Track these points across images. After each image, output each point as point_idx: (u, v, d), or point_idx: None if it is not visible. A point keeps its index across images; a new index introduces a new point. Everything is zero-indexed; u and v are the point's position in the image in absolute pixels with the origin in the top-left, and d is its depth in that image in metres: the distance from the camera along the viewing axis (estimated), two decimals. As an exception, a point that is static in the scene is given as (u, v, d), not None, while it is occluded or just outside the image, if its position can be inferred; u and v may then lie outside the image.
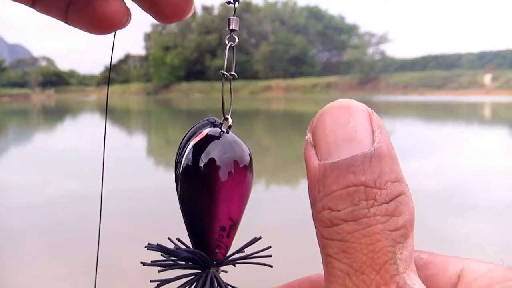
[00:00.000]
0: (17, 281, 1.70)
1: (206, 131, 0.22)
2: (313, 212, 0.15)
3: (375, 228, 0.13)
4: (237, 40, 0.22)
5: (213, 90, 37.22)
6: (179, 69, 39.44)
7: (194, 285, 0.20)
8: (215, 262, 0.21)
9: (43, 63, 47.40)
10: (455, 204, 2.75)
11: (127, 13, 0.18)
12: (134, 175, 3.79)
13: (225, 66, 0.22)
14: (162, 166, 4.57)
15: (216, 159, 0.21)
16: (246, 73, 35.28)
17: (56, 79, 43.57)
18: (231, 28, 0.22)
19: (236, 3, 0.21)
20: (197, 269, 0.21)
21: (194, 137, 0.22)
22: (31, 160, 4.86)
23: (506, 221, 2.39)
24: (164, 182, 3.54)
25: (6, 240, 2.14)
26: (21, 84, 39.73)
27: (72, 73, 46.88)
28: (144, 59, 43.62)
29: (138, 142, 6.92)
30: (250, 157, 0.22)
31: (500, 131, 7.67)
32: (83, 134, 7.92)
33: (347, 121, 0.15)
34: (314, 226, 0.15)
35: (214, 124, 0.23)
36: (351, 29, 37.83)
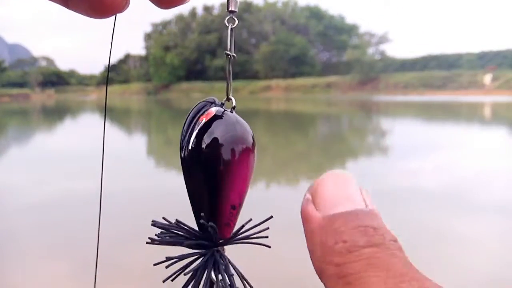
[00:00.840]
0: (17, 280, 1.69)
1: (212, 110, 0.22)
2: (319, 254, 0.15)
3: (394, 251, 0.15)
4: (236, 21, 0.22)
5: (213, 90, 37.15)
6: (179, 69, 39.42)
7: (199, 261, 0.21)
8: (221, 241, 0.21)
9: (43, 63, 47.38)
10: (455, 203, 2.75)
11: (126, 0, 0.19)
12: (134, 175, 3.79)
13: (228, 46, 0.22)
14: (162, 166, 4.57)
15: (221, 139, 0.21)
16: (246, 73, 35.25)
17: (56, 79, 43.55)
18: (230, 9, 0.22)
19: None
20: (204, 247, 0.21)
21: (200, 117, 0.21)
22: (31, 160, 4.86)
23: (506, 221, 2.39)
24: (164, 182, 3.54)
25: (6, 240, 2.14)
26: (21, 84, 39.72)
27: (72, 73, 46.87)
28: (144, 59, 43.60)
29: (138, 142, 6.92)
30: (253, 138, 0.22)
31: (500, 131, 7.67)
32: (83, 134, 7.92)
33: (346, 186, 0.18)
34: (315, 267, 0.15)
35: (216, 104, 0.22)
36: (351, 29, 37.80)
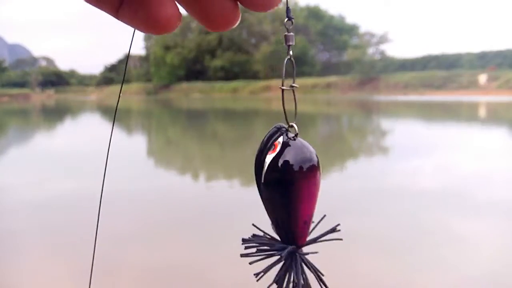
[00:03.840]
0: (17, 280, 1.69)
1: (279, 140, 0.26)
2: None
3: None
4: (291, 53, 0.26)
5: (213, 90, 37.18)
6: (179, 69, 39.43)
7: (283, 264, 0.25)
8: (299, 246, 0.25)
9: (43, 63, 47.41)
10: (455, 204, 2.75)
11: (180, 18, 0.19)
12: (134, 176, 3.79)
13: (282, 79, 0.26)
14: (163, 166, 4.57)
15: (293, 164, 0.24)
16: (246, 73, 35.26)
17: (56, 79, 43.58)
18: (288, 44, 0.26)
19: (292, 19, 0.25)
20: (285, 255, 0.25)
21: (273, 143, 0.26)
22: (31, 160, 4.86)
23: (506, 221, 2.39)
24: (164, 183, 3.54)
25: (6, 240, 2.14)
26: (21, 84, 39.72)
27: (72, 73, 46.89)
28: (144, 59, 43.63)
29: (138, 142, 6.92)
30: (317, 157, 0.26)
31: (500, 131, 7.66)
32: (83, 134, 7.92)
33: None
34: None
35: (281, 131, 0.27)
36: (352, 29, 37.83)
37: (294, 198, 0.24)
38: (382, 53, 35.52)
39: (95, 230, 0.23)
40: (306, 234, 0.26)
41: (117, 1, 0.19)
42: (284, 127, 0.27)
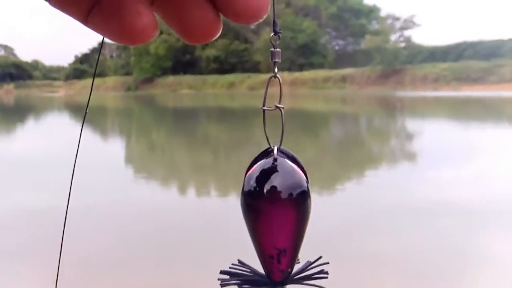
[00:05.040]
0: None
1: (260, 162, 0.29)
2: None
3: None
4: (276, 70, 0.28)
5: (206, 85, 37.34)
6: (164, 59, 39.65)
7: None
8: (275, 282, 0.28)
9: (0, 52, 47.62)
10: (496, 221, 2.74)
11: (156, 27, 0.20)
12: (109, 188, 3.79)
13: (264, 99, 0.29)
14: (144, 177, 4.57)
15: (256, 188, 0.27)
16: (244, 64, 35.45)
17: (16, 72, 43.76)
18: (274, 61, 0.28)
19: (279, 34, 0.27)
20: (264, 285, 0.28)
21: (260, 163, 0.29)
22: (-14, 169, 4.86)
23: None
24: (145, 197, 3.54)
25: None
26: (-26, 78, 39.91)
27: (35, 65, 47.12)
28: (122, 47, 43.90)
29: (114, 147, 6.93)
30: (307, 183, 0.29)
31: (551, 134, 7.66)
32: (49, 138, 7.93)
33: None
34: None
35: (266, 153, 0.29)
36: (371, 12, 38.04)
37: (256, 227, 0.27)
38: (407, 40, 35.73)
39: (59, 254, 0.23)
40: (277, 270, 0.28)
41: (86, 6, 0.20)
42: (272, 149, 0.29)
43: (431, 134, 7.78)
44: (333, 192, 3.66)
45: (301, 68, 35.18)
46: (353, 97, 23.86)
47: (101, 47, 0.27)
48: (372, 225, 2.70)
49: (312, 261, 0.30)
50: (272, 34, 0.28)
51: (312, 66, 35.22)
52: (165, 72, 39.72)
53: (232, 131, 8.90)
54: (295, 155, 0.31)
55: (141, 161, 5.63)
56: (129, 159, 5.87)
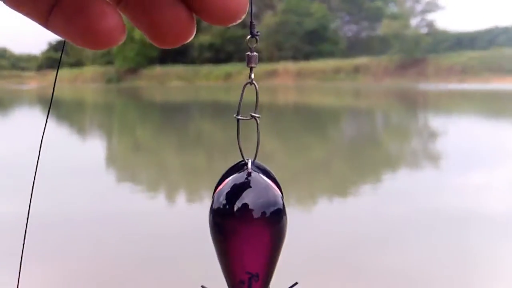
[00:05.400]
0: None
1: (230, 177, 0.30)
2: None
3: None
4: (253, 76, 0.30)
5: (198, 77, 37.37)
6: (151, 47, 39.66)
7: None
8: None
9: (-36, 39, 47.78)
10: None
11: (124, 30, 0.21)
12: (87, 196, 3.79)
13: (239, 107, 0.29)
14: (127, 182, 4.58)
15: (228, 207, 0.28)
16: (242, 53, 35.34)
17: (-19, 61, 43.88)
18: (251, 66, 0.30)
19: (257, 37, 0.28)
20: None
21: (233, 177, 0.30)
22: None
23: None
24: (129, 206, 3.54)
25: None
26: None
27: (3, 53, 47.16)
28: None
29: (93, 148, 6.93)
30: (276, 203, 0.29)
31: None
32: (17, 136, 7.94)
33: None
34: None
35: (238, 168, 0.30)
36: (388, -7, 38.05)
37: (226, 249, 0.28)
38: (430, 25, 35.74)
39: (18, 269, 0.24)
40: None
41: (45, 6, 0.20)
42: (245, 163, 0.30)
43: (458, 133, 7.78)
44: (344, 199, 3.66)
45: (308, 57, 35.20)
46: (367, 90, 23.88)
47: (63, 51, 0.28)
48: (390, 238, 2.70)
49: None
50: (248, 36, 0.29)
51: (320, 54, 35.24)
52: (151, 61, 39.76)
53: (228, 129, 8.89)
54: (269, 168, 0.31)
55: (125, 164, 5.64)
56: (110, 162, 5.87)
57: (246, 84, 0.30)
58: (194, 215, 3.29)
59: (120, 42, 0.21)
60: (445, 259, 2.40)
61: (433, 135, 7.82)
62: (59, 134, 8.23)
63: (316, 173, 4.82)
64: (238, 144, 0.30)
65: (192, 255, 2.43)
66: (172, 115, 12.50)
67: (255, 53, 0.29)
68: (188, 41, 0.23)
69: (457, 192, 3.78)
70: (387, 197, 3.70)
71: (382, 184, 4.23)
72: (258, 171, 0.30)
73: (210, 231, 0.29)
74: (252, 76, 0.30)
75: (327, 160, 5.62)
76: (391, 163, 5.37)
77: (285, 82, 34.04)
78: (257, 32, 0.29)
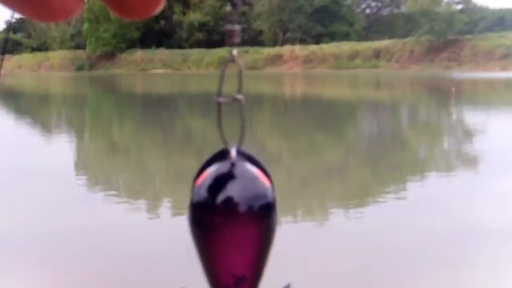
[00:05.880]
0: None
1: (211, 167, 0.30)
2: None
3: None
4: (235, 52, 0.30)
5: (187, 63, 37.39)
6: (130, 27, 39.72)
7: None
8: None
9: None
10: None
11: (80, 2, 0.21)
12: (52, 205, 3.79)
13: (219, 89, 0.30)
14: (101, 190, 4.57)
15: (213, 202, 0.28)
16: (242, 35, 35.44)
17: None
18: (233, 41, 0.30)
19: (238, 7, 0.29)
20: None
21: (215, 167, 0.31)
22: None
23: None
24: (102, 219, 3.53)
25: None
26: None
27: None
28: (72, 11, 44.00)
29: (60, 149, 6.93)
30: (265, 196, 0.30)
31: None
32: (-29, 136, 7.93)
33: None
34: None
35: (220, 156, 0.31)
36: (415, -38, 38.12)
37: (208, 249, 0.29)
38: (466, 1, 35.75)
39: None
40: None
41: None
42: (228, 151, 0.31)
43: (498, 131, 7.77)
44: (364, 210, 3.66)
45: (318, 39, 35.18)
46: (390, 79, 23.86)
47: (10, 26, 0.28)
48: (418, 255, 2.69)
49: None
50: (228, 6, 0.29)
51: (333, 37, 35.22)
52: (131, 44, 39.73)
53: (223, 126, 8.82)
54: (256, 157, 0.31)
55: (98, 168, 5.63)
56: (80, 166, 5.86)
57: (227, 63, 0.30)
58: (180, 230, 3.29)
59: (77, 13, 0.22)
60: (484, 277, 2.39)
61: (468, 133, 7.81)
62: (18, 132, 8.22)
63: (330, 179, 4.82)
64: (220, 129, 0.31)
65: (177, 272, 2.42)
66: (155, 109, 12.50)
67: (237, 27, 0.30)
68: (158, 11, 0.23)
69: (498, 202, 3.78)
70: (414, 208, 3.70)
71: (408, 192, 4.22)
72: (244, 160, 0.31)
73: (190, 228, 0.29)
74: (235, 52, 0.30)
75: (342, 164, 5.62)
76: (419, 167, 5.37)
77: (291, 69, 34.04)
78: (238, 1, 0.29)
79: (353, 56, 33.75)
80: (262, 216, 0.29)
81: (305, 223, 3.36)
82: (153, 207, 3.93)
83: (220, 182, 0.29)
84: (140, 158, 6.17)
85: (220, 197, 0.28)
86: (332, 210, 3.73)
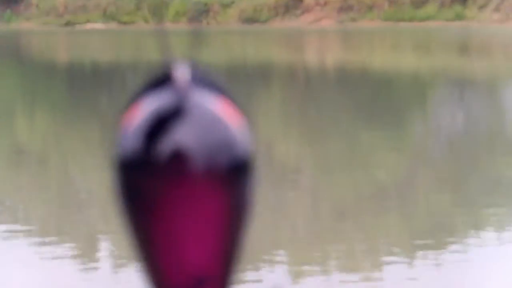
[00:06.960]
0: None
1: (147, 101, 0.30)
2: None
3: None
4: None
5: (142, 11, 37.57)
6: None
7: None
8: None
9: None
10: None
11: None
12: None
13: None
14: (6, 222, 4.59)
15: (144, 157, 0.28)
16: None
17: None
18: None
19: None
20: None
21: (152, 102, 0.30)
22: None
23: None
24: (18, 228, 3.54)
25: None
26: None
27: None
28: None
29: None
30: (235, 146, 0.29)
31: None
32: None
33: None
34: None
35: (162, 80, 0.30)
36: None
37: (148, 235, 0.29)
38: None
39: None
40: None
41: None
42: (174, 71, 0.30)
43: None
44: (440, 254, 3.68)
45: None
46: (486, 39, 23.93)
47: None
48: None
49: None
50: None
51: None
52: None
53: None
54: (220, 80, 0.31)
55: (7, 167, 5.68)
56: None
57: None
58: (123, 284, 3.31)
59: None
60: None
61: None
62: None
63: (384, 208, 4.82)
64: (162, 37, 0.31)
65: None
66: (89, 89, 12.55)
67: None
68: None
69: None
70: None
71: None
72: (202, 86, 0.30)
73: (117, 202, 0.29)
74: None
75: (404, 182, 5.62)
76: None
77: (318, 22, 34.09)
78: None
79: (422, 0, 33.82)
80: (232, 179, 0.28)
81: (342, 279, 3.39)
82: (85, 254, 3.95)
83: (161, 123, 0.28)
84: (63, 171, 6.18)
85: (163, 150, 0.28)
86: (386, 259, 3.74)
